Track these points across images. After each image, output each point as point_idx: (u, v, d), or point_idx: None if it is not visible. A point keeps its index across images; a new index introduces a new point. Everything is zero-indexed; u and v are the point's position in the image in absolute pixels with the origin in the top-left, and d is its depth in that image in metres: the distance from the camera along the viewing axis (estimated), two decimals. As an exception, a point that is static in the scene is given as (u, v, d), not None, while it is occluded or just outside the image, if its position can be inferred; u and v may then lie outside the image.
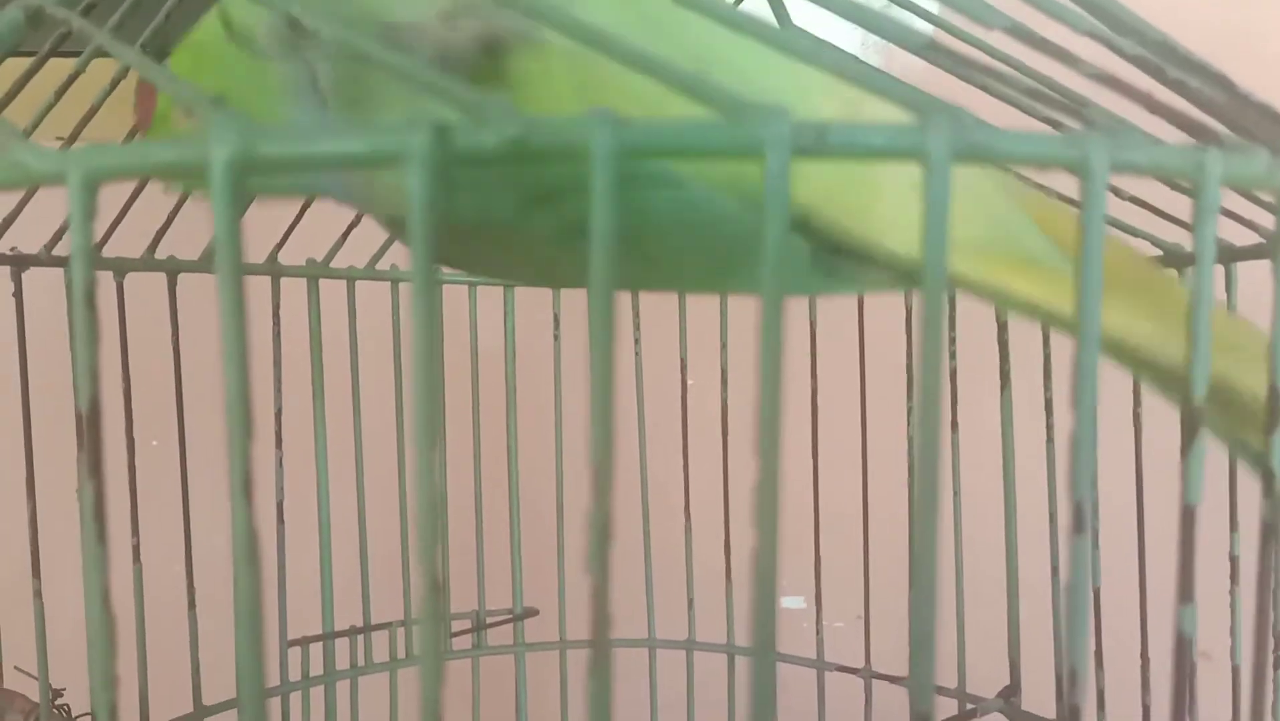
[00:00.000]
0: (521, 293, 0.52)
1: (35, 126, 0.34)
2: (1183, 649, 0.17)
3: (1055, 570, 0.46)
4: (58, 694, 0.38)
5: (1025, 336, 0.48)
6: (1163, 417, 0.37)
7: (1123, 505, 0.45)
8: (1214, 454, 0.19)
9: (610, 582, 0.15)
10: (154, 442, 0.47)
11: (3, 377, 0.42)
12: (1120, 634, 0.45)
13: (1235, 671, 0.41)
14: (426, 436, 0.15)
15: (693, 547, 0.54)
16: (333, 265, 0.48)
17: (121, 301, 0.41)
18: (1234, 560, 0.41)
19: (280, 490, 0.47)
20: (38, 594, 0.38)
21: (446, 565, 0.45)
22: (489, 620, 0.52)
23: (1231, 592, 0.41)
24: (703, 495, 0.53)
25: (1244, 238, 0.38)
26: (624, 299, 0.53)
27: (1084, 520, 0.16)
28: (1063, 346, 0.47)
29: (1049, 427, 0.48)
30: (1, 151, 0.16)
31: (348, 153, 0.15)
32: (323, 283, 0.48)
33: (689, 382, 0.53)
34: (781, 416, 0.14)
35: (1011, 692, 0.48)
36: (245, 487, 0.16)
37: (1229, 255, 0.39)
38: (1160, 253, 0.43)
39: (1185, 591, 0.17)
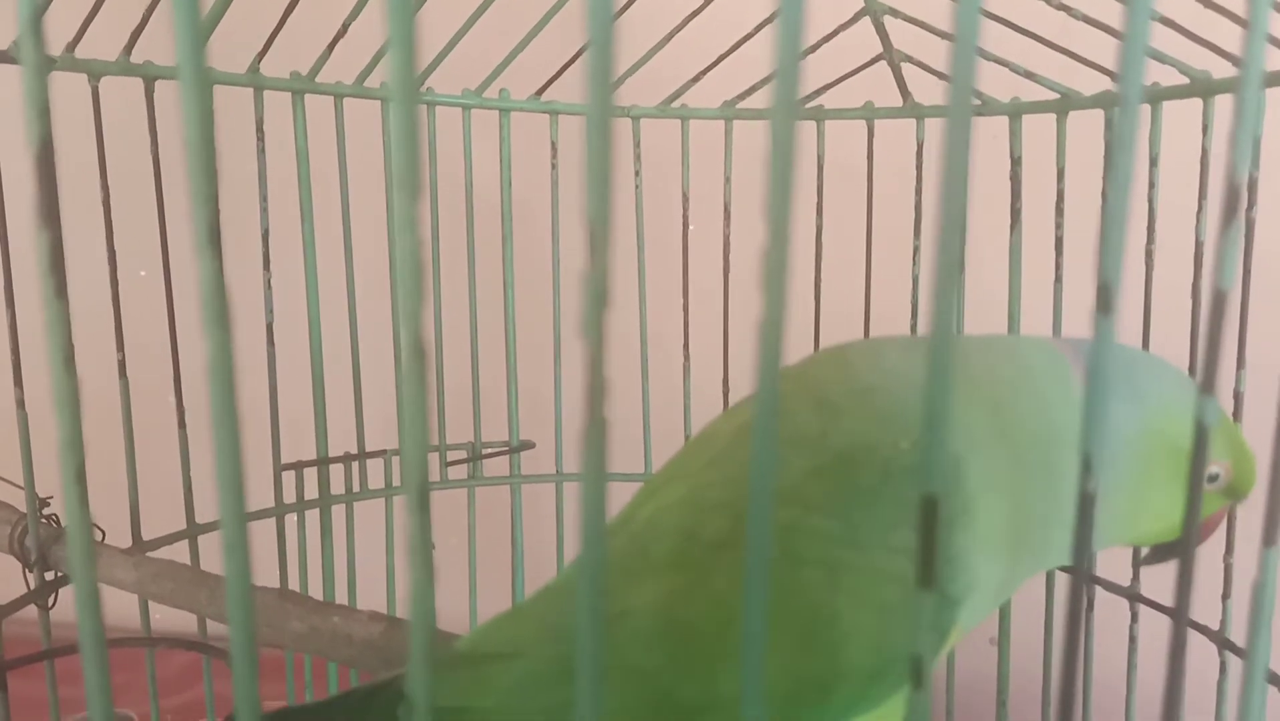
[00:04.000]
0: (518, 117, 0.50)
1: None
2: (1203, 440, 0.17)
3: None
4: (44, 503, 0.38)
5: (1039, 171, 0.47)
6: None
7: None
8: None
9: (605, 350, 0.14)
10: (142, 273, 0.46)
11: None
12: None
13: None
14: (408, 184, 0.14)
15: (691, 386, 0.53)
16: (319, 80, 0.46)
17: (98, 107, 0.40)
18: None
19: (270, 312, 0.46)
20: (20, 403, 0.37)
21: (440, 353, 0.44)
22: (485, 451, 0.51)
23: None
24: (702, 334, 0.52)
25: None
26: (624, 126, 0.51)
27: (1110, 301, 0.15)
28: (1079, 181, 0.46)
29: (1058, 267, 0.46)
30: None
31: None
32: (309, 98, 0.46)
33: (690, 223, 0.52)
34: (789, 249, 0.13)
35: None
36: (212, 238, 0.15)
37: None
38: (1188, 80, 0.41)
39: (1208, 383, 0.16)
